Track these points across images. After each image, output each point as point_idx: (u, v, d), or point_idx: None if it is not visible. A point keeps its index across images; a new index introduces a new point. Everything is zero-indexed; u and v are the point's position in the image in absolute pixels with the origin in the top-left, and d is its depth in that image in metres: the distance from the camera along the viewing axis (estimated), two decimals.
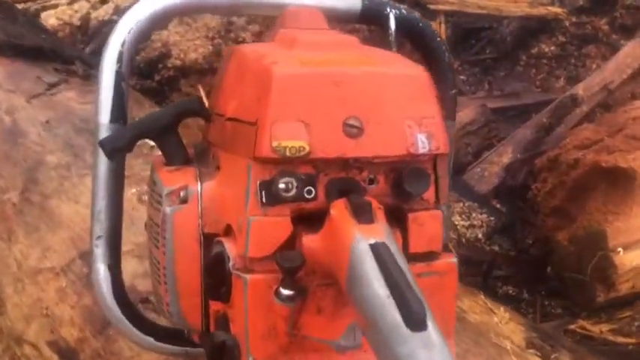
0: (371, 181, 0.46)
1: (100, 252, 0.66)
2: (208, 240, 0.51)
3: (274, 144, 0.43)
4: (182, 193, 0.52)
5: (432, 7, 1.75)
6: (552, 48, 1.62)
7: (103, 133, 0.64)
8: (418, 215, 0.46)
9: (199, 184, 0.52)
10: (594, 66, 1.59)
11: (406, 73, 0.47)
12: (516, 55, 1.67)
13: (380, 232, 0.41)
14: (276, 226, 0.45)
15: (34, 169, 1.02)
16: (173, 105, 0.57)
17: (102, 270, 0.66)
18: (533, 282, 1.41)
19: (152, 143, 1.01)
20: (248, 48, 0.54)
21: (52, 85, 1.19)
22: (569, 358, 0.86)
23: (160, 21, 0.66)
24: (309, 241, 0.45)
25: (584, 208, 1.30)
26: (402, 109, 0.45)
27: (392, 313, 0.35)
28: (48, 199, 0.97)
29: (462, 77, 1.70)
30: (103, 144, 0.56)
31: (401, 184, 0.45)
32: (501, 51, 1.69)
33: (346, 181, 0.45)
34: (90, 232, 0.67)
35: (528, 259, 1.45)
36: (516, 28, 1.68)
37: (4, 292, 0.92)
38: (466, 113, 1.56)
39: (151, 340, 0.67)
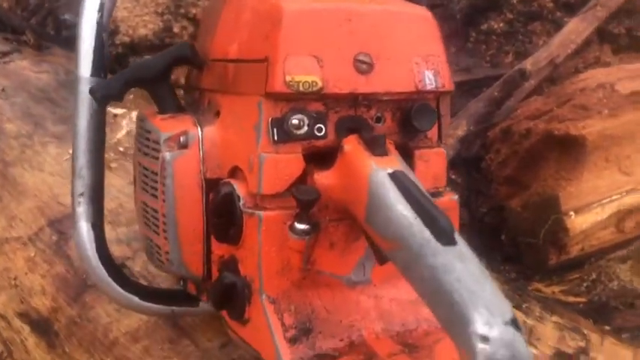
0: (378, 120, 0.47)
1: (82, 210, 0.64)
2: (210, 185, 0.51)
3: (287, 78, 0.43)
4: (182, 139, 0.51)
5: None
6: (501, 25, 1.67)
7: (84, 86, 0.62)
8: (423, 152, 0.47)
9: (199, 128, 0.51)
10: (541, 42, 1.65)
11: (414, 12, 0.48)
12: (466, 32, 1.70)
13: (395, 162, 0.42)
14: (288, 162, 0.45)
15: None
16: (165, 52, 0.55)
17: (85, 228, 0.65)
18: (489, 250, 1.45)
19: (115, 111, 0.99)
20: None
21: (4, 54, 1.14)
22: (539, 307, 0.90)
23: None
24: (322, 177, 0.45)
25: (537, 175, 1.35)
26: (410, 47, 0.46)
27: (421, 231, 0.36)
28: (9, 168, 0.94)
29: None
30: (94, 91, 0.55)
31: (408, 121, 0.46)
32: (452, 28, 1.72)
33: (355, 119, 0.46)
34: (71, 190, 0.65)
35: (483, 227, 1.49)
36: (466, 5, 1.72)
37: None
38: None
39: (135, 299, 0.66)
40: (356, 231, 0.46)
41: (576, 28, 1.65)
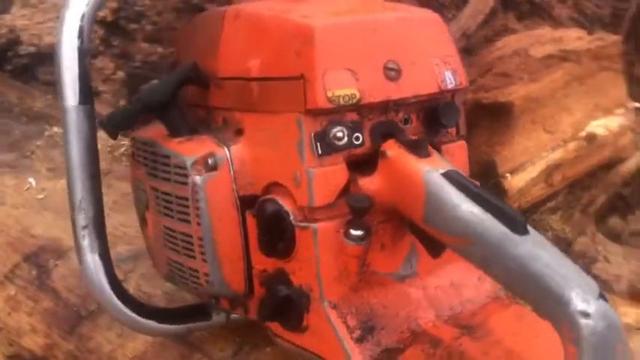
0: (405, 121, 0.49)
1: (87, 243, 0.63)
2: (244, 202, 0.52)
3: (329, 94, 0.44)
4: (210, 161, 0.51)
5: None
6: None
7: (73, 116, 0.61)
8: (449, 147, 0.51)
9: (226, 149, 0.51)
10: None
11: (427, 17, 0.50)
12: None
13: (442, 162, 0.45)
14: (335, 174, 0.47)
15: None
16: (172, 75, 0.55)
17: (93, 261, 0.63)
18: None
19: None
20: (254, 7, 0.53)
21: None
22: None
23: None
24: (367, 182, 0.47)
25: (472, 144, 1.43)
26: (430, 50, 0.49)
27: (495, 225, 0.39)
28: None
29: None
30: (104, 123, 0.54)
31: (434, 119, 0.49)
32: None
33: (387, 124, 0.48)
34: (72, 224, 0.63)
35: None
36: None
37: None
38: None
39: (152, 323, 0.66)
40: (401, 229, 0.48)
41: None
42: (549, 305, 0.35)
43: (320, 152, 0.46)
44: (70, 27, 0.61)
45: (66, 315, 0.80)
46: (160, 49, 1.67)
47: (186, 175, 0.52)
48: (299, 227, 0.47)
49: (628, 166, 1.49)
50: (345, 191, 0.47)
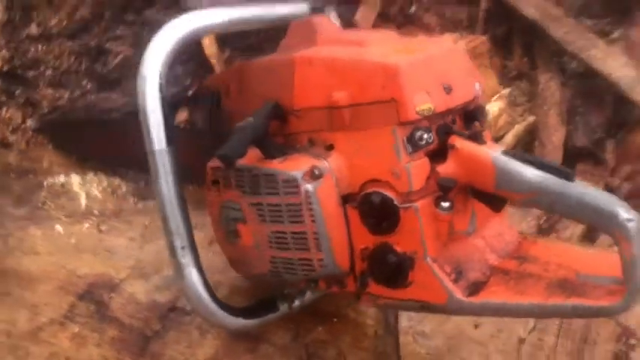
0: (453, 122, 0.69)
1: (187, 260, 0.75)
2: (344, 200, 0.68)
3: (417, 109, 0.63)
4: (316, 171, 0.67)
5: None
6: None
7: (161, 158, 0.73)
8: (484, 135, 0.71)
9: (325, 160, 0.67)
10: None
11: (457, 48, 0.70)
12: None
13: (496, 145, 0.65)
14: (422, 165, 0.65)
15: None
16: (262, 114, 0.68)
17: (194, 274, 0.76)
18: None
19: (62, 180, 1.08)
20: (326, 53, 0.69)
21: None
22: None
23: (182, 47, 0.76)
24: (443, 168, 0.66)
25: None
26: (463, 70, 0.69)
27: (554, 180, 0.60)
28: (2, 262, 0.93)
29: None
30: (223, 156, 0.67)
31: (472, 117, 0.69)
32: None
33: (445, 125, 0.67)
34: (170, 245, 0.75)
35: None
36: None
37: None
38: None
39: (240, 320, 0.80)
40: (466, 198, 0.68)
41: (365, 16, 1.99)
42: (604, 220, 0.57)
43: (410, 151, 0.64)
44: (152, 84, 0.73)
45: (133, 339, 0.89)
46: (66, 94, 1.71)
47: (296, 186, 0.67)
48: (403, 208, 0.64)
49: (506, 140, 1.81)
50: (431, 176, 0.65)
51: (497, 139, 1.72)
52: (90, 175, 1.08)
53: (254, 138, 0.68)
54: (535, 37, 2.06)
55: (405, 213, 0.65)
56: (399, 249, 0.66)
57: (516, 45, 2.08)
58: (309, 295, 0.86)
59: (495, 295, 0.64)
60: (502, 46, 2.06)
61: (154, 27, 1.73)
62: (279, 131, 0.72)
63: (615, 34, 2.26)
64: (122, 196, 1.05)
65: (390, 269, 0.66)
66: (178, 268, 0.75)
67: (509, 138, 1.74)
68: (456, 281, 0.65)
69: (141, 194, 1.06)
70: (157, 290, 0.91)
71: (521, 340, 0.91)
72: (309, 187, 0.66)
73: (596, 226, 0.59)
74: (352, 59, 0.66)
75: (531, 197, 0.61)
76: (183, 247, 0.75)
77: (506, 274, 0.66)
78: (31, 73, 1.80)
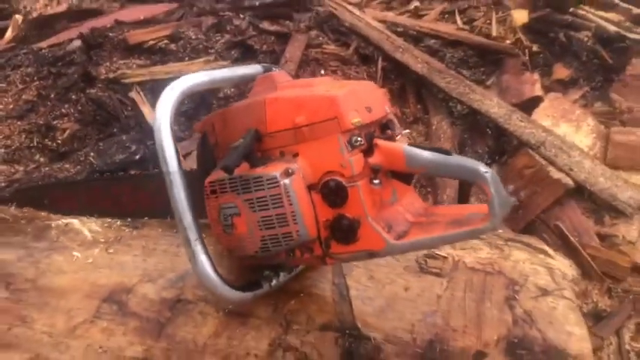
0: (375, 130, 1.10)
1: (199, 248, 1.10)
2: (308, 188, 1.06)
3: (351, 122, 1.03)
4: (290, 170, 1.05)
5: (125, 81, 2.28)
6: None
7: (176, 177, 1.09)
8: (394, 136, 1.11)
9: (295, 164, 1.06)
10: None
11: (370, 83, 1.12)
12: (209, 101, 2.33)
13: (402, 141, 1.06)
14: (359, 158, 1.04)
15: (2, 267, 1.23)
16: (247, 138, 1.06)
17: (204, 259, 1.11)
18: None
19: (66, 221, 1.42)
20: (288, 94, 1.09)
21: None
22: None
23: (186, 97, 1.14)
24: (372, 159, 1.05)
25: None
26: (377, 96, 1.11)
27: (440, 155, 1.01)
28: (38, 282, 1.22)
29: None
30: (226, 167, 1.03)
31: (386, 127, 1.10)
32: (196, 101, 2.32)
33: (369, 133, 1.08)
34: (185, 239, 1.10)
35: None
36: None
37: (48, 359, 1.16)
38: None
39: (239, 293, 1.14)
40: (389, 179, 1.07)
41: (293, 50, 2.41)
42: (473, 175, 0.98)
43: (350, 150, 1.04)
44: (165, 123, 1.10)
45: (151, 326, 1.21)
46: (20, 168, 2.02)
47: (276, 182, 1.04)
48: (349, 187, 1.03)
49: None
50: (365, 165, 1.05)
51: None
52: (85, 217, 1.39)
53: (244, 154, 1.05)
54: (424, 87, 2.59)
55: (352, 190, 1.04)
56: (349, 215, 1.05)
57: (410, 95, 2.60)
58: (282, 277, 1.22)
59: (414, 236, 1.04)
60: (399, 97, 2.57)
61: (99, 104, 2.15)
62: (258, 149, 1.10)
63: (490, 81, 2.84)
64: (118, 228, 1.37)
65: (345, 230, 1.04)
66: (192, 255, 1.09)
67: None
68: (388, 232, 1.04)
69: (132, 225, 1.38)
70: (163, 289, 1.24)
71: (439, 296, 1.31)
72: (285, 181, 1.04)
73: (469, 180, 1.00)
74: (307, 95, 1.06)
75: (428, 169, 1.02)
76: (195, 240, 1.09)
77: (419, 224, 1.06)
78: None
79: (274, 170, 1.04)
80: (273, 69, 1.29)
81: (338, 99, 1.03)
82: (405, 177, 1.07)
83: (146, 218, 1.42)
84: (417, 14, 3.04)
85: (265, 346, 1.19)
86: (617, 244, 2.17)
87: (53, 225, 1.34)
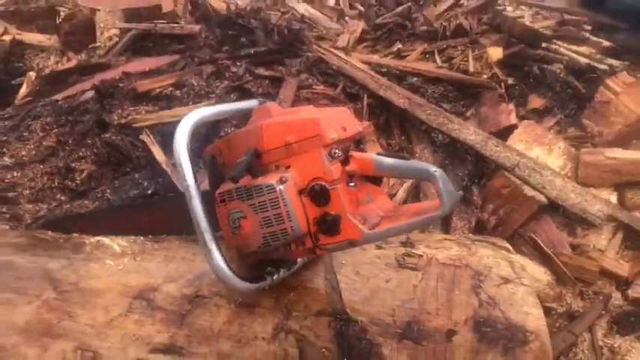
0: (349, 145, 1.42)
1: (212, 247, 1.41)
2: (298, 192, 1.37)
3: (332, 137, 1.35)
4: (283, 179, 1.36)
5: (136, 125, 2.62)
6: (232, 129, 2.68)
7: (193, 189, 1.41)
8: (364, 149, 1.43)
9: (287, 173, 1.38)
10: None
11: (344, 108, 1.45)
12: (212, 140, 2.66)
13: (371, 152, 1.39)
14: (338, 167, 1.36)
15: (45, 275, 1.54)
16: (248, 155, 1.37)
17: (218, 255, 1.41)
18: None
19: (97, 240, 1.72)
20: (278, 120, 1.41)
21: None
22: None
23: (201, 126, 1.46)
24: (348, 167, 1.37)
25: None
26: (350, 118, 1.43)
27: (400, 161, 1.33)
28: (79, 285, 1.53)
29: None
30: (233, 177, 1.35)
31: (359, 142, 1.43)
32: (201, 140, 2.65)
33: (345, 147, 1.40)
34: (201, 239, 1.41)
35: None
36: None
37: (91, 346, 1.45)
38: None
39: (247, 284, 1.45)
40: (363, 183, 1.39)
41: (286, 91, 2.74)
42: (425, 175, 1.29)
43: (331, 160, 1.35)
44: (182, 147, 1.42)
45: (174, 317, 1.50)
46: (44, 206, 2.34)
47: (273, 189, 1.36)
48: (331, 189, 1.34)
49: (399, 195, 2.55)
50: (342, 171, 1.36)
51: (392, 196, 2.48)
52: (112, 236, 1.70)
53: (247, 168, 1.37)
54: (407, 120, 2.93)
55: (333, 192, 1.35)
56: (332, 212, 1.36)
57: (395, 127, 2.93)
58: (282, 273, 1.52)
59: (385, 226, 1.35)
60: (384, 130, 2.91)
61: (113, 147, 2.50)
62: (257, 164, 1.42)
63: (469, 113, 3.18)
64: (142, 243, 1.68)
65: (329, 224, 1.35)
66: (208, 252, 1.40)
67: (401, 193, 2.51)
68: (364, 224, 1.35)
69: (154, 240, 1.69)
70: (183, 287, 1.54)
71: (415, 286, 1.60)
72: (280, 187, 1.35)
73: (422, 179, 1.32)
74: (295, 118, 1.39)
75: (392, 172, 1.34)
76: (210, 240, 1.40)
77: (388, 217, 1.38)
78: (10, 194, 2.44)
79: (271, 179, 1.36)
80: (267, 102, 1.62)
81: (319, 120, 1.35)
82: (376, 180, 1.39)
83: (164, 235, 1.72)
84: (399, 55, 3.41)
85: (270, 330, 1.48)
86: (588, 252, 2.47)
87: (87, 242, 1.65)
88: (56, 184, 2.50)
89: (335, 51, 3.06)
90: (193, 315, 1.49)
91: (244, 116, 1.56)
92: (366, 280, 1.60)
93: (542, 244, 2.40)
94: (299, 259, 1.57)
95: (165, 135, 2.66)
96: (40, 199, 2.48)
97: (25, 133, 2.61)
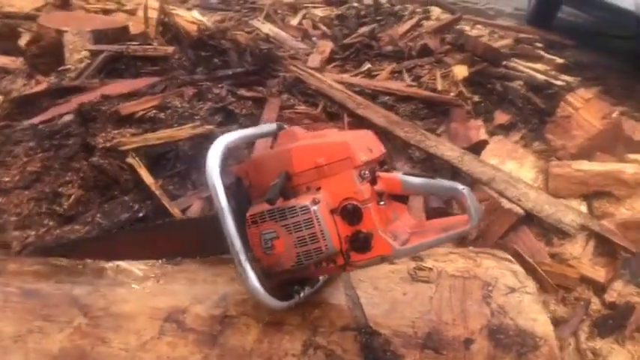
0: (375, 166, 1.50)
1: (247, 267, 1.46)
2: (331, 211, 1.44)
3: (362, 158, 1.43)
4: (316, 199, 1.43)
5: (122, 148, 2.63)
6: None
7: (225, 211, 1.46)
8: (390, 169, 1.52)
9: (319, 194, 1.45)
10: (246, 153, 2.76)
11: (369, 131, 1.53)
12: (199, 162, 2.69)
13: (400, 172, 1.47)
14: (368, 187, 1.44)
15: (73, 301, 1.55)
16: (280, 177, 1.43)
17: (252, 275, 1.47)
18: None
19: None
20: (306, 143, 1.48)
21: None
22: None
23: (230, 151, 1.51)
24: (377, 187, 1.45)
25: None
26: (374, 140, 1.52)
27: (426, 180, 1.42)
28: (108, 310, 1.55)
29: (170, 187, 2.63)
30: (270, 199, 1.41)
31: (383, 163, 1.51)
32: (188, 162, 2.69)
33: (372, 168, 1.48)
34: (237, 259, 1.46)
35: None
36: (189, 146, 2.71)
37: None
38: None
39: (278, 302, 1.50)
40: (390, 202, 1.47)
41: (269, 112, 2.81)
42: (454, 192, 1.38)
43: (361, 181, 1.43)
44: (215, 167, 1.47)
45: (206, 338, 1.54)
46: (32, 233, 2.33)
47: (308, 209, 1.42)
48: (363, 208, 1.42)
49: None
50: (372, 191, 1.44)
51: None
52: (128, 260, 1.73)
53: (280, 190, 1.43)
54: (386, 137, 3.04)
55: (365, 210, 1.42)
56: (364, 230, 1.43)
57: None
58: (307, 291, 1.58)
59: (414, 242, 1.43)
60: None
61: (100, 171, 2.53)
62: (288, 186, 1.48)
63: (440, 129, 3.32)
64: (160, 266, 1.71)
65: (362, 242, 1.42)
66: (243, 272, 1.45)
67: None
68: (395, 241, 1.44)
69: (172, 263, 1.72)
70: (211, 308, 1.58)
71: (431, 298, 1.69)
72: (314, 208, 1.42)
73: (450, 196, 1.41)
74: (324, 141, 1.46)
75: (419, 191, 1.43)
76: (244, 260, 1.45)
77: (416, 233, 1.46)
78: None
79: (305, 201, 1.42)
80: (285, 126, 1.69)
81: (349, 143, 1.43)
82: (402, 198, 1.48)
83: (179, 258, 1.76)
84: (370, 75, 3.53)
85: (299, 347, 1.54)
86: (566, 260, 2.63)
87: (107, 266, 1.67)
88: (43, 209, 2.48)
89: (312, 71, 3.14)
90: (225, 335, 1.53)
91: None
92: (384, 295, 1.68)
93: (524, 255, 2.53)
94: (320, 277, 1.63)
95: (151, 157, 2.68)
96: (28, 225, 2.46)
97: (8, 158, 2.57)
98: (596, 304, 2.53)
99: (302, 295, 1.56)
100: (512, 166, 2.97)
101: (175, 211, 2.48)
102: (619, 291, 2.52)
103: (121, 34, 3.69)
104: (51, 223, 2.47)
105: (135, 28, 3.69)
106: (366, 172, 1.43)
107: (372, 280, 1.71)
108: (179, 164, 2.69)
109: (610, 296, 2.53)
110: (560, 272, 2.51)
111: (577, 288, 2.53)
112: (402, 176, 1.44)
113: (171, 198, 2.54)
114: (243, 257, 1.45)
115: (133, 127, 2.71)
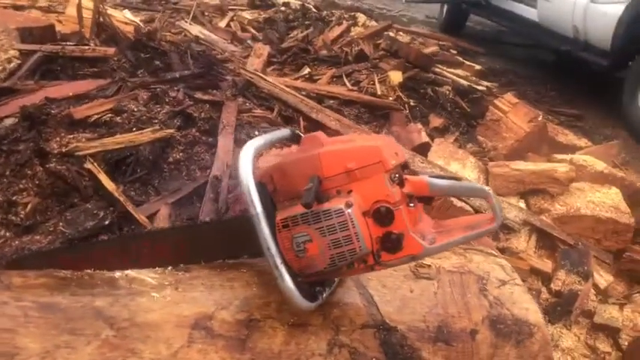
0: (402, 169, 1.57)
1: (282, 270, 1.49)
2: (363, 214, 1.50)
3: (392, 162, 1.50)
4: (349, 203, 1.48)
5: (79, 153, 2.54)
6: (180, 154, 2.68)
7: (260, 216, 1.48)
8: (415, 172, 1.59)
9: (351, 198, 1.50)
10: (207, 157, 2.74)
11: (390, 137, 1.60)
12: (160, 166, 2.65)
13: (425, 174, 1.55)
14: (398, 189, 1.50)
15: (97, 313, 1.50)
16: (313, 182, 1.47)
17: (287, 278, 1.50)
18: None
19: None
20: (336, 147, 1.52)
21: None
22: None
23: (258, 153, 1.53)
24: (405, 189, 1.52)
25: None
26: (397, 147, 1.59)
27: (453, 181, 1.51)
28: (134, 320, 1.51)
29: (132, 193, 2.57)
30: (306, 204, 1.44)
31: (406, 166, 1.58)
32: (149, 167, 2.64)
33: (399, 172, 1.55)
34: (273, 264, 1.48)
35: None
36: (149, 150, 2.66)
37: None
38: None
39: (310, 303, 1.54)
40: (417, 203, 1.54)
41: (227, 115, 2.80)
42: (479, 193, 1.48)
43: (392, 184, 1.50)
44: (248, 172, 1.48)
45: (235, 343, 1.54)
46: (37, 237, 2.22)
47: (342, 212, 1.47)
48: (395, 210, 1.48)
49: None
50: (402, 194, 1.51)
51: None
52: (137, 268, 1.69)
53: (315, 195, 1.47)
54: None
55: (397, 212, 1.49)
56: (396, 231, 1.50)
57: None
58: (327, 292, 1.63)
59: (442, 240, 1.52)
60: None
61: (58, 177, 2.48)
62: (319, 189, 1.52)
63: (383, 132, 3.44)
64: (170, 273, 1.68)
65: (393, 242, 1.49)
66: (279, 275, 1.47)
67: None
68: (424, 240, 1.51)
69: (182, 270, 1.70)
70: (236, 313, 1.58)
71: (435, 293, 1.79)
72: (348, 211, 1.47)
73: (476, 196, 1.50)
74: (353, 146, 1.51)
75: (446, 192, 1.52)
76: (280, 263, 1.47)
77: (441, 232, 1.55)
78: None
79: (338, 203, 1.47)
80: (296, 131, 1.72)
81: (380, 147, 1.49)
82: (427, 200, 1.56)
83: (182, 265, 1.74)
84: (311, 79, 3.59)
85: (325, 346, 1.58)
86: (516, 253, 2.82)
87: (116, 276, 1.62)
88: None
89: (262, 75, 3.16)
90: (252, 339, 1.54)
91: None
92: (393, 292, 1.75)
93: None
94: (335, 278, 1.68)
95: (110, 163, 2.60)
96: (32, 228, 2.32)
97: None
98: (544, 292, 2.74)
99: (324, 295, 1.60)
100: (456, 167, 3.13)
101: (142, 217, 2.43)
102: (563, 280, 2.74)
103: (47, 32, 3.52)
104: (8, 234, 2.34)
105: (64, 27, 3.53)
106: (396, 175, 1.50)
107: (380, 279, 1.77)
108: (140, 169, 2.62)
109: (556, 285, 2.74)
110: (513, 265, 2.68)
111: (528, 279, 2.73)
112: (429, 179, 1.52)
113: (135, 204, 2.48)
114: (278, 260, 1.47)
115: (88, 132, 2.61)
